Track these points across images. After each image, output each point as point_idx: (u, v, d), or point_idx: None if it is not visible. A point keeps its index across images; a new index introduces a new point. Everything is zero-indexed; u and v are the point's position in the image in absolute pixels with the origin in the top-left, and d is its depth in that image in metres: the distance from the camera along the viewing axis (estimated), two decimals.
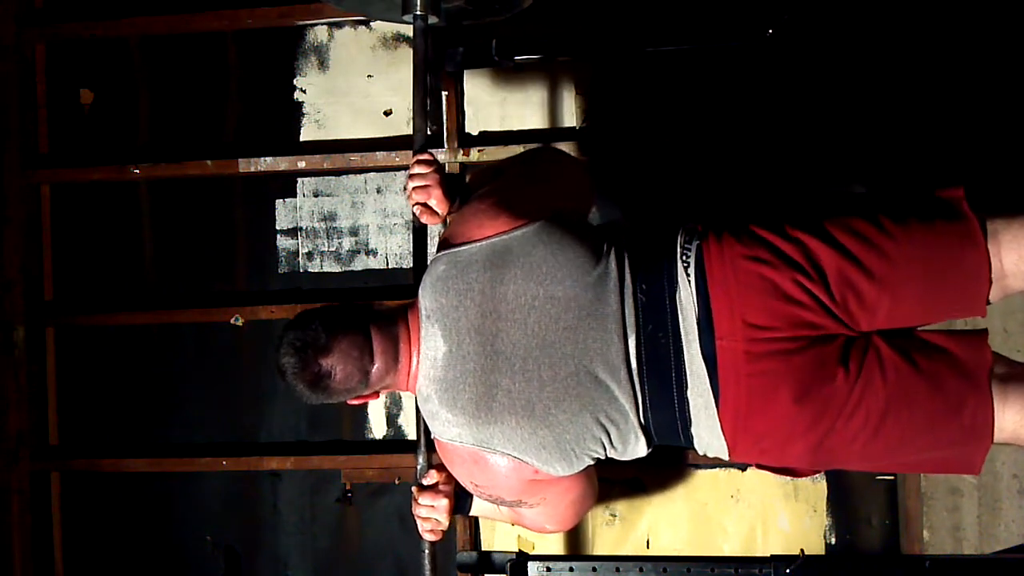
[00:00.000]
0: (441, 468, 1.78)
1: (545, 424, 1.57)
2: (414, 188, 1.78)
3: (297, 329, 1.62)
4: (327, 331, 1.60)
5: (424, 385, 1.62)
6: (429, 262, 1.68)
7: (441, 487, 1.79)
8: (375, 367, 1.61)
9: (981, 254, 1.57)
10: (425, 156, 1.81)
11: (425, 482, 1.80)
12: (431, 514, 1.79)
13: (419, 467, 1.82)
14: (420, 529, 1.82)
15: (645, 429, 1.63)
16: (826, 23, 2.31)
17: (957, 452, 1.62)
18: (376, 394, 1.69)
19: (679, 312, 1.59)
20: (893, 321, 1.61)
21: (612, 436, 1.62)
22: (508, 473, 1.61)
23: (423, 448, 1.81)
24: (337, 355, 1.59)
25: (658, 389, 1.60)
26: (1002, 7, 2.28)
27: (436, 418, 1.62)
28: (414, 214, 1.81)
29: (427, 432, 1.78)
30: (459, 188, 1.81)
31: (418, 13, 1.90)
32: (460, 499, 1.82)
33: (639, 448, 1.65)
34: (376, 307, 1.70)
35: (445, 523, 1.81)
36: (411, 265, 1.89)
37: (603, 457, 1.66)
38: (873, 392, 1.56)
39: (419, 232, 1.88)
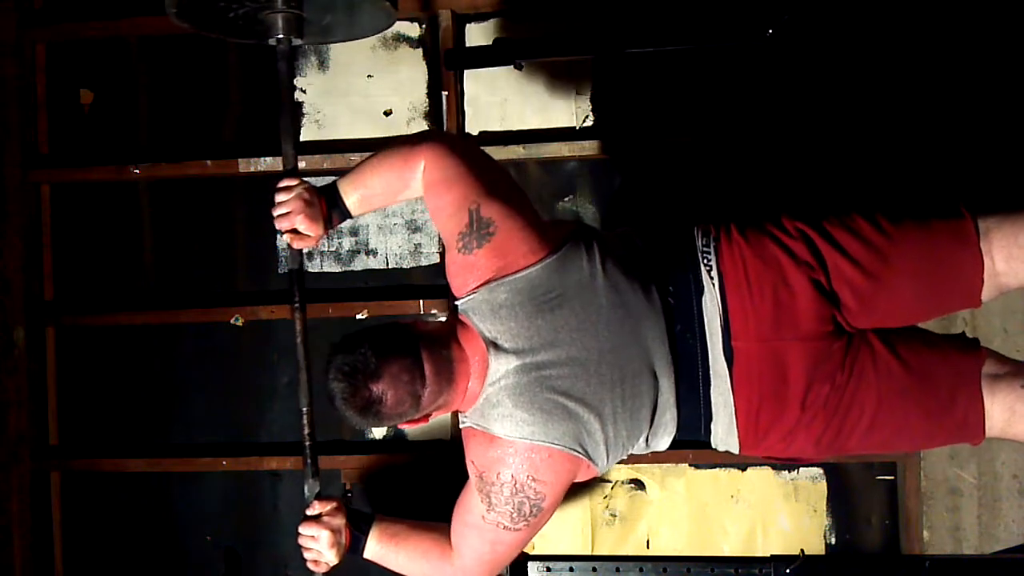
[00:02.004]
0: (327, 500, 1.79)
1: (612, 421, 1.63)
2: (276, 216, 1.76)
3: (345, 353, 1.57)
4: (377, 355, 1.55)
5: (493, 393, 1.62)
6: (479, 291, 1.63)
7: (324, 518, 1.77)
8: (427, 391, 1.58)
9: (975, 253, 1.62)
10: (285, 183, 1.77)
11: (309, 512, 1.79)
12: (312, 544, 1.77)
13: (306, 497, 1.81)
14: (305, 558, 1.80)
15: (677, 424, 1.70)
16: (826, 23, 2.31)
17: (954, 438, 1.71)
18: (426, 418, 1.65)
19: (704, 314, 1.66)
20: (889, 319, 1.68)
21: (651, 431, 1.69)
22: (571, 469, 1.64)
23: (309, 478, 1.81)
24: (388, 380, 1.55)
25: (687, 386, 1.67)
26: (1000, 7, 2.28)
27: (509, 419, 1.61)
28: (287, 243, 1.79)
29: (314, 462, 1.80)
30: (336, 198, 1.76)
31: (280, 36, 1.84)
32: (355, 538, 1.79)
33: (663, 442, 1.73)
34: (421, 327, 1.67)
35: (329, 557, 1.77)
36: (411, 265, 1.88)
37: (630, 452, 1.72)
38: (866, 388, 1.63)
39: (296, 254, 1.83)
